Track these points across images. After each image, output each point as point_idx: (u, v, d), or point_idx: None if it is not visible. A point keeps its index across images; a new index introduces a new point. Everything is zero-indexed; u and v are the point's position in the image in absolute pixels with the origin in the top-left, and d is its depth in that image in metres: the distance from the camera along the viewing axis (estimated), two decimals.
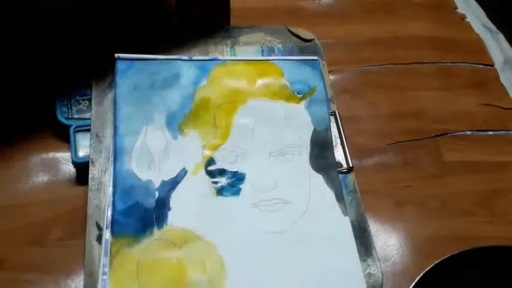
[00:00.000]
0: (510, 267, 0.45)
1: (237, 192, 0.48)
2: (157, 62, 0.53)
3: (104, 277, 0.42)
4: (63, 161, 0.51)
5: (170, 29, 0.60)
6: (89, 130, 0.50)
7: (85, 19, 0.56)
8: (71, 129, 0.50)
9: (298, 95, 0.54)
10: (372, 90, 0.60)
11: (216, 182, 0.48)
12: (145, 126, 0.50)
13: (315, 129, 0.53)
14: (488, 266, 0.45)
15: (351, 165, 0.52)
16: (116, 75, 0.52)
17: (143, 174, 0.47)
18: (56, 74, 0.54)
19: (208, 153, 0.50)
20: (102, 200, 0.46)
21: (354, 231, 0.48)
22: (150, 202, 0.46)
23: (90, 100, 0.52)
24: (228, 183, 0.49)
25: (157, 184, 0.47)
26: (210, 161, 0.49)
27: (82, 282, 0.43)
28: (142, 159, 0.48)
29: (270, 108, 0.53)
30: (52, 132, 0.52)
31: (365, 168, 0.54)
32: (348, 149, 0.53)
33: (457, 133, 0.58)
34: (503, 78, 0.63)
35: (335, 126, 0.54)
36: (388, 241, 0.49)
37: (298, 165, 0.50)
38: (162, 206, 0.46)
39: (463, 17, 0.70)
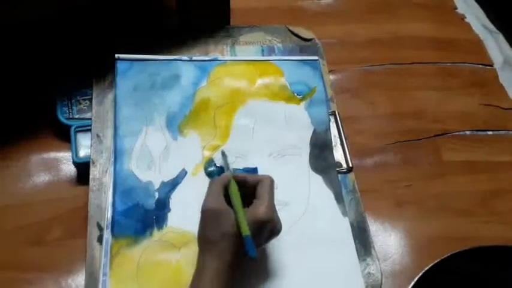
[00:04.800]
0: (510, 267, 0.45)
1: None
2: (157, 63, 0.53)
3: (104, 277, 0.42)
4: (64, 161, 0.51)
5: (170, 29, 0.60)
6: (89, 130, 0.50)
7: (85, 19, 0.56)
8: (72, 129, 0.50)
9: (298, 96, 0.54)
10: (372, 90, 0.60)
11: None
12: (146, 127, 0.50)
13: (314, 130, 0.53)
14: (487, 265, 0.45)
15: (350, 165, 0.52)
16: (116, 75, 0.52)
17: (143, 175, 0.48)
18: (56, 74, 0.54)
19: (208, 153, 0.50)
20: (103, 200, 0.46)
21: (353, 231, 0.48)
22: (150, 203, 0.46)
23: (90, 100, 0.52)
24: None
25: (157, 185, 0.47)
26: (210, 162, 0.49)
27: (82, 282, 0.43)
28: (143, 160, 0.48)
29: (270, 109, 0.53)
30: (53, 132, 0.52)
31: (365, 168, 0.54)
32: (348, 149, 0.53)
33: (457, 133, 0.58)
34: (503, 78, 0.63)
35: (335, 126, 0.54)
36: (387, 241, 0.50)
37: (297, 166, 0.50)
38: (162, 207, 0.46)
39: (463, 17, 0.70)
